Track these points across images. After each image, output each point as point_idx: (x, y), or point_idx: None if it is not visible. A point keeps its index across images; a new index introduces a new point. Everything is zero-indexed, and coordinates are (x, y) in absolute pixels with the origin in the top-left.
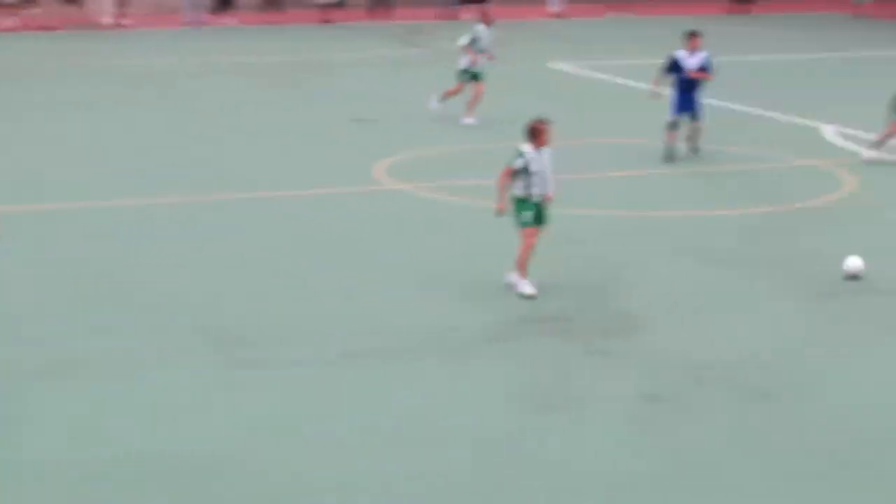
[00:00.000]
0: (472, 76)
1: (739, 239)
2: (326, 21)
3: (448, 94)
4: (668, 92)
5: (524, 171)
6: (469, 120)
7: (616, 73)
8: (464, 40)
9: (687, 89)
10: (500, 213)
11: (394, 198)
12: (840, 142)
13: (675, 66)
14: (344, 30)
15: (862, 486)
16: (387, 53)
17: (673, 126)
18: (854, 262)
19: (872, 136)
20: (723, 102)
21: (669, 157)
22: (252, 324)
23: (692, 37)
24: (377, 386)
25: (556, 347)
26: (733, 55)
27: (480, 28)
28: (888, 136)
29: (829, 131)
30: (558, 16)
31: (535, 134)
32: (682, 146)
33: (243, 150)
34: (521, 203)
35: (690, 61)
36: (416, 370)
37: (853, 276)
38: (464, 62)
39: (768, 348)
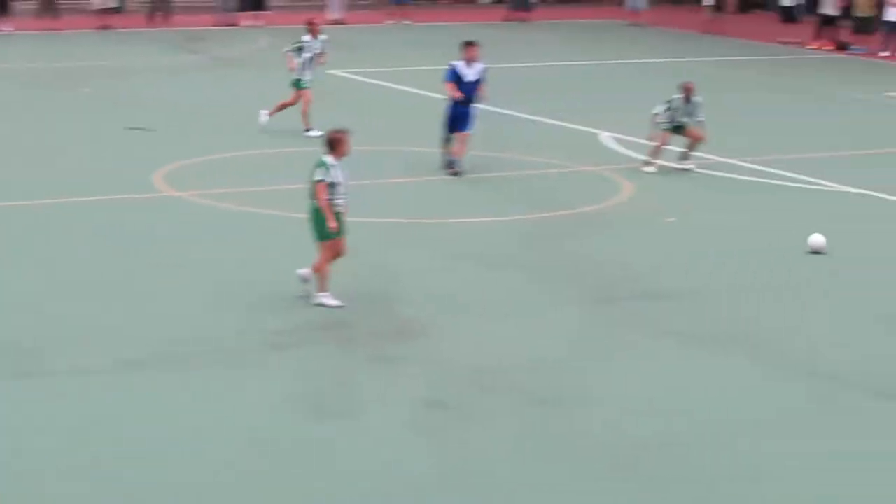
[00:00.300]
0: (296, 84)
1: (520, 245)
2: (105, 27)
3: (282, 107)
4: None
5: (329, 183)
6: (314, 132)
7: (396, 80)
8: (287, 48)
9: (464, 102)
10: (333, 230)
11: (173, 205)
12: (618, 147)
13: (455, 77)
14: (123, 36)
15: (642, 489)
16: (166, 60)
17: (448, 140)
18: (816, 239)
19: (645, 152)
20: (501, 109)
21: (449, 166)
22: (30, 333)
23: (469, 46)
24: (157, 394)
25: (340, 355)
26: (511, 62)
27: (306, 38)
28: (659, 148)
29: (607, 137)
30: (338, 22)
31: (336, 144)
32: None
33: (17, 157)
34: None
35: (469, 72)
36: (197, 378)
37: (816, 252)
38: (296, 72)
39: (549, 354)
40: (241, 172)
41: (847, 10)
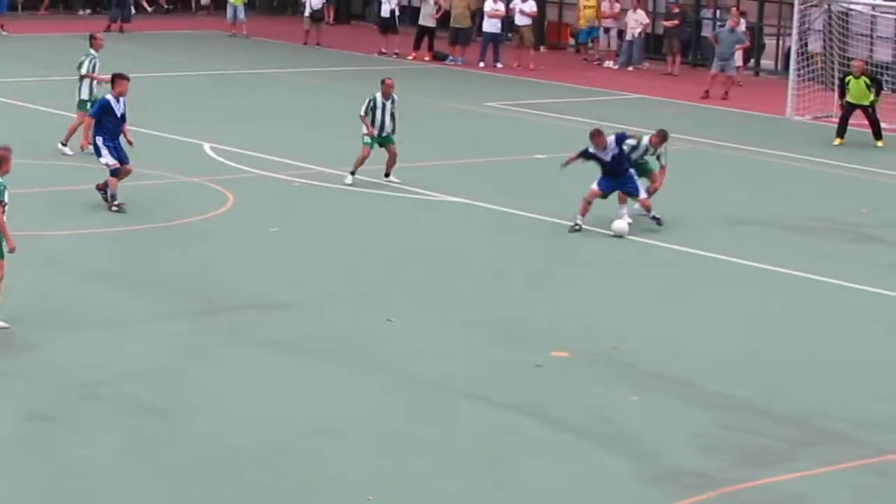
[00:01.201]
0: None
1: (123, 257)
2: None
3: (72, 131)
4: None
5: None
6: (66, 150)
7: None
8: (84, 69)
9: (117, 135)
10: (13, 250)
11: None
12: (220, 158)
13: (106, 110)
14: None
15: (246, 498)
16: None
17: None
18: (619, 225)
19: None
20: None
21: (112, 199)
22: None
23: (120, 80)
24: None
25: None
26: (109, 73)
27: (93, 53)
28: (361, 160)
29: (209, 148)
30: None
31: (2, 162)
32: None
33: None
34: None
35: (119, 106)
36: None
37: (618, 235)
38: (85, 91)
39: (153, 365)
40: None
41: (444, 22)
